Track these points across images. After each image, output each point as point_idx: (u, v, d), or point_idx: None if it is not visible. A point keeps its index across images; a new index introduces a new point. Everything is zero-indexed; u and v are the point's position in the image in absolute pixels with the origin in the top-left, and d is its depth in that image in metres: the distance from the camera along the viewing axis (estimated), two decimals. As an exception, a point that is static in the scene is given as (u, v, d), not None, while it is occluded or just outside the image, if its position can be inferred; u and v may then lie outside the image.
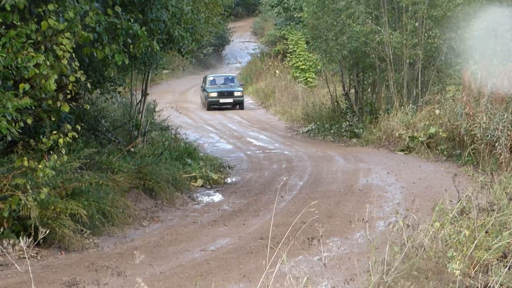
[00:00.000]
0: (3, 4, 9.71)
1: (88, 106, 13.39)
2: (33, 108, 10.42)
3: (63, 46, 10.11)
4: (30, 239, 5.18)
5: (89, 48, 11.50)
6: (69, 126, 10.64)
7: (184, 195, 14.84)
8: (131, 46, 12.43)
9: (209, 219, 12.86)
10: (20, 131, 10.35)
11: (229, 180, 17.21)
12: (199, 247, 10.57)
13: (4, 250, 7.31)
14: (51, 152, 10.81)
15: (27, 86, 9.76)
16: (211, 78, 39.93)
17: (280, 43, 48.34)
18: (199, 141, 23.29)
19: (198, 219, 12.88)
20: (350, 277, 7.04)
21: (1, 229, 9.61)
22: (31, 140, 11.02)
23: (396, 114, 22.38)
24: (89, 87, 12.82)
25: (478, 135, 16.60)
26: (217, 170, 17.69)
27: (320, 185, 15.72)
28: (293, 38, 42.94)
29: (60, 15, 10.37)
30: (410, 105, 22.59)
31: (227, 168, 18.70)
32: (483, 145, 16.37)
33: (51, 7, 10.08)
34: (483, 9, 21.97)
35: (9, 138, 10.18)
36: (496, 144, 15.88)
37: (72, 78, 10.32)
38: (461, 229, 7.57)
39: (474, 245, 7.30)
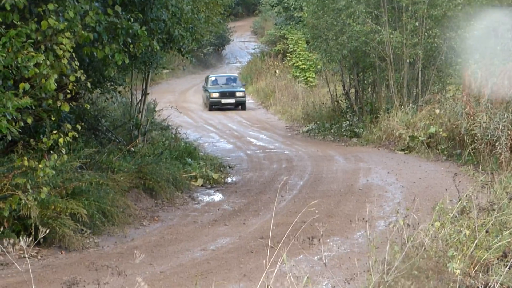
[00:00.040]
0: (3, 4, 9.71)
1: (88, 106, 13.39)
2: (33, 107, 10.43)
3: (63, 46, 10.11)
4: (31, 238, 5.18)
5: (89, 48, 11.50)
6: (69, 126, 10.65)
7: (184, 195, 14.84)
8: (131, 46, 12.42)
9: (209, 218, 12.86)
10: (20, 131, 10.35)
11: (229, 179, 17.21)
12: (200, 246, 10.57)
13: (4, 250, 7.32)
14: (51, 151, 10.82)
15: (27, 86, 9.76)
16: (213, 78, 39.44)
17: (280, 42, 48.33)
18: (199, 141, 23.30)
19: (199, 218, 12.88)
20: (350, 277, 7.03)
21: (2, 229, 9.59)
22: (31, 140, 11.02)
23: (396, 113, 22.37)
24: (89, 86, 12.84)
25: (478, 134, 16.59)
26: (217, 170, 17.69)
27: (320, 185, 15.72)
28: (293, 37, 42.95)
29: (60, 14, 10.37)
30: (410, 104, 22.59)
31: (227, 167, 18.70)
32: (483, 144, 16.37)
33: (51, 6, 10.08)
34: (483, 8, 21.97)
35: (9, 138, 10.19)
36: (497, 144, 15.88)
37: (72, 78, 10.32)
38: (462, 229, 7.56)
39: (474, 244, 7.30)
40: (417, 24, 23.08)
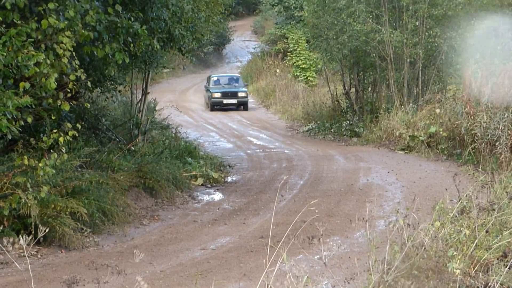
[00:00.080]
0: (4, 3, 9.71)
1: (89, 105, 13.41)
2: (34, 106, 10.43)
3: (63, 45, 10.11)
4: (30, 237, 5.18)
5: (89, 47, 11.50)
6: (69, 125, 10.65)
7: (184, 194, 14.84)
8: (132, 45, 12.42)
9: (209, 218, 12.86)
10: (21, 130, 10.35)
11: (229, 179, 17.21)
12: (199, 245, 10.56)
13: (4, 249, 7.32)
14: (51, 150, 10.83)
15: (27, 85, 9.76)
16: (215, 78, 39.02)
17: (281, 42, 48.35)
18: (199, 140, 23.30)
19: (198, 218, 12.87)
20: (350, 276, 7.03)
21: (1, 227, 9.59)
22: (32, 139, 11.03)
23: (397, 113, 22.37)
24: (90, 85, 12.87)
25: (479, 134, 16.59)
26: (218, 169, 17.70)
27: (321, 184, 15.72)
28: (293, 37, 42.95)
29: (61, 13, 10.37)
30: (411, 104, 22.60)
31: (228, 167, 18.70)
32: (483, 144, 16.37)
33: (51, 5, 10.08)
34: (483, 8, 21.97)
35: (10, 137, 10.20)
36: (497, 144, 15.88)
37: (72, 77, 10.32)
38: (462, 229, 7.56)
39: (474, 244, 7.30)
40: (417, 23, 23.07)
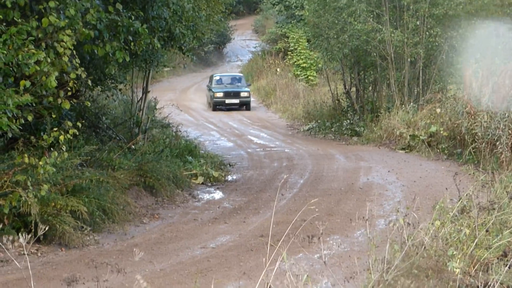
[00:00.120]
0: (4, 1, 9.72)
1: (89, 103, 13.41)
2: (34, 105, 10.43)
3: (64, 43, 10.11)
4: (30, 235, 5.18)
5: (90, 45, 11.50)
6: (69, 123, 10.65)
7: (184, 193, 14.84)
8: (132, 44, 12.43)
9: (209, 216, 12.86)
10: (21, 128, 10.35)
11: (229, 177, 17.21)
12: (199, 244, 10.57)
13: (3, 247, 7.32)
14: (51, 149, 10.83)
15: (27, 83, 9.76)
16: (218, 78, 38.60)
17: (281, 41, 48.33)
18: (199, 139, 23.31)
19: (199, 216, 12.88)
20: (350, 275, 7.02)
21: (2, 226, 9.59)
22: (32, 137, 11.02)
23: (397, 112, 22.37)
24: (90, 84, 12.86)
25: (479, 133, 16.60)
26: (218, 168, 17.70)
27: (321, 183, 15.72)
28: (294, 36, 42.94)
29: (61, 12, 10.37)
30: (411, 103, 22.60)
31: (228, 165, 18.70)
32: (484, 144, 16.37)
33: (52, 4, 10.08)
34: (484, 7, 21.96)
35: (10, 135, 10.20)
36: (497, 143, 15.89)
37: (73, 75, 10.32)
38: (462, 228, 7.56)
39: (474, 243, 7.29)
40: (418, 23, 23.07)
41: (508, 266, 6.97)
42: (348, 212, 12.31)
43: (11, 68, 9.65)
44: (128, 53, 12.21)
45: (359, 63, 26.63)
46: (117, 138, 17.09)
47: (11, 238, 5.34)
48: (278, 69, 44.62)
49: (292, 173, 17.14)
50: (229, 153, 21.59)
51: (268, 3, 51.31)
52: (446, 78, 24.89)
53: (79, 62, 10.59)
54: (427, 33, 23.08)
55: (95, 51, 11.57)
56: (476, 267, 7.13)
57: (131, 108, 19.09)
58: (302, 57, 41.51)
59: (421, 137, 19.74)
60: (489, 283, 6.54)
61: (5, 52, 9.42)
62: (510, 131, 15.87)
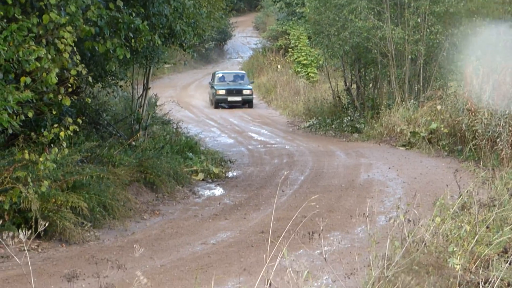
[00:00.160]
0: (5, -3, 9.72)
1: (90, 100, 13.42)
2: (34, 101, 10.43)
3: (64, 40, 10.11)
4: (30, 231, 5.18)
5: (90, 42, 11.50)
6: (70, 120, 10.66)
7: (185, 189, 14.84)
8: (133, 40, 12.43)
9: (210, 212, 12.86)
10: (21, 124, 10.35)
11: (230, 174, 17.21)
12: (200, 240, 10.57)
13: (3, 242, 7.33)
14: (52, 145, 10.83)
15: (28, 80, 9.76)
16: (220, 75, 37.94)
17: (282, 38, 48.28)
18: (200, 135, 23.28)
19: (199, 212, 12.88)
20: (350, 272, 7.03)
21: (2, 222, 9.60)
22: (32, 133, 11.03)
23: (398, 109, 22.37)
24: (91, 80, 12.85)
25: (480, 130, 16.59)
26: (218, 164, 17.70)
27: (321, 180, 15.72)
28: (295, 33, 42.90)
29: (62, 8, 10.37)
30: (412, 100, 22.59)
31: (228, 162, 18.70)
32: (484, 140, 16.37)
33: (52, 1, 10.07)
34: (485, 5, 21.95)
35: (10, 131, 10.21)
36: (498, 140, 15.88)
37: (73, 72, 10.32)
38: (462, 224, 7.56)
39: (475, 240, 7.29)
40: (419, 20, 23.07)
41: (508, 262, 6.97)
42: (348, 209, 12.32)
43: (11, 65, 9.65)
44: (128, 50, 12.22)
45: (360, 60, 26.62)
46: (118, 134, 17.10)
47: (11, 234, 5.33)
48: (278, 66, 44.59)
49: (293, 170, 17.15)
50: (230, 150, 21.58)
51: (269, 0, 51.25)
52: (447, 75, 24.89)
53: (79, 58, 10.59)
54: (428, 30, 23.08)
55: (96, 47, 11.57)
56: (476, 263, 7.13)
57: (131, 105, 19.09)
58: (302, 54, 41.46)
59: (421, 134, 19.74)
60: (489, 280, 6.54)
61: (6, 48, 9.42)
62: (510, 128, 15.87)
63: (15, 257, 5.92)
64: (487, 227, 7.75)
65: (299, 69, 41.12)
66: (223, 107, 36.00)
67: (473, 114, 17.29)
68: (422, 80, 23.86)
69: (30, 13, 10.16)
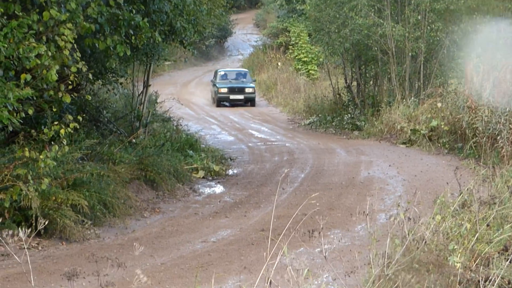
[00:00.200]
0: (5, -6, 9.71)
1: (90, 97, 13.40)
2: (35, 98, 10.42)
3: (65, 37, 10.10)
4: (31, 229, 5.17)
5: (91, 39, 11.49)
6: (70, 117, 10.65)
7: (185, 187, 14.84)
8: (133, 37, 12.41)
9: (210, 210, 12.86)
10: (22, 122, 10.34)
11: (230, 171, 17.20)
12: (200, 238, 10.57)
13: (3, 241, 7.32)
14: (52, 142, 10.82)
15: (28, 77, 9.75)
16: (222, 73, 37.66)
17: (283, 35, 48.24)
18: (200, 133, 23.29)
19: (199, 210, 12.88)
20: (351, 270, 7.02)
21: (2, 220, 9.59)
22: (33, 131, 11.01)
23: (398, 107, 22.36)
24: (91, 78, 12.86)
25: (480, 128, 16.59)
26: (219, 162, 17.69)
27: (322, 178, 15.71)
28: (295, 30, 42.89)
29: (62, 5, 10.36)
30: (412, 98, 22.59)
31: (229, 159, 18.69)
32: (485, 138, 16.37)
33: (53, -3, 10.07)
34: (486, 2, 21.93)
35: (10, 129, 10.20)
36: (498, 138, 15.88)
37: (73, 69, 10.31)
38: (463, 222, 7.56)
39: (475, 238, 7.29)
40: (419, 17, 23.07)
41: (509, 260, 6.97)
42: (349, 206, 12.31)
43: (11, 62, 9.64)
44: (129, 47, 12.20)
45: (360, 57, 26.60)
46: (118, 132, 17.09)
47: (11, 232, 5.32)
48: (279, 63, 44.55)
49: (293, 167, 17.15)
50: (230, 147, 21.58)
51: (270, -3, 51.29)
52: (447, 73, 24.89)
53: (80, 55, 10.57)
54: (428, 27, 23.08)
55: (96, 44, 11.56)
56: (477, 261, 7.13)
57: (132, 102, 19.08)
58: (303, 51, 41.45)
59: (422, 131, 19.73)
60: (490, 278, 6.54)
61: (6, 45, 9.41)
62: (511, 126, 15.86)
63: (15, 255, 5.92)
64: (488, 225, 7.75)
65: (300, 67, 41.11)
66: (225, 105, 35.79)
67: (474, 111, 17.28)
68: (423, 77, 23.86)
69: (30, 10, 10.15)
